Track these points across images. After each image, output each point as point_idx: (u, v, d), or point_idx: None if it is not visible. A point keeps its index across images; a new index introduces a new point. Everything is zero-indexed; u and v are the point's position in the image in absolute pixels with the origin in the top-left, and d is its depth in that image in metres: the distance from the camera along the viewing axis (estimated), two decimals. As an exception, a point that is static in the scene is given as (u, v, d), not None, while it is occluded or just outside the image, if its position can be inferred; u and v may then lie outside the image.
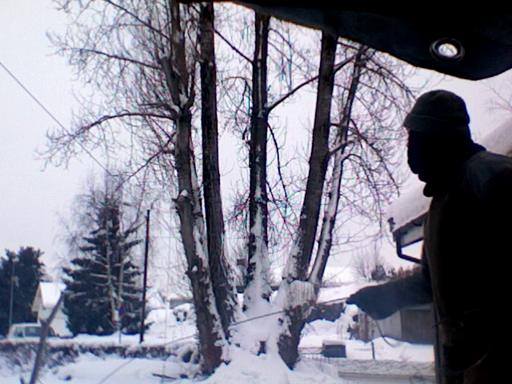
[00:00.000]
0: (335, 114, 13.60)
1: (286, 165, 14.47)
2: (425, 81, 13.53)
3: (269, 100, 14.14)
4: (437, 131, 1.88)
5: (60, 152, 13.14)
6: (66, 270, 36.33)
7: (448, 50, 1.06)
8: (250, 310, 12.47)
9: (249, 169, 13.79)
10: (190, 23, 13.19)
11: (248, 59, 14.22)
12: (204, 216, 12.36)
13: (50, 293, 36.31)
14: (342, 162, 13.55)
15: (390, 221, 5.57)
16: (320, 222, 12.83)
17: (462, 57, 1.06)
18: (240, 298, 12.80)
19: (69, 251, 35.59)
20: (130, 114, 13.58)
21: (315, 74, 13.74)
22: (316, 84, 13.16)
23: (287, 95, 14.41)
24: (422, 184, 2.02)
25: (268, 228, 13.68)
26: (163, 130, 13.85)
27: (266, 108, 13.92)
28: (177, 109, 12.10)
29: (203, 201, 12.49)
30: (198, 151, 13.01)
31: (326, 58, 12.68)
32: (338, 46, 13.06)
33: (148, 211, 24.53)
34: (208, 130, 12.71)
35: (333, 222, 13.05)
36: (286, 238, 14.04)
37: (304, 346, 16.27)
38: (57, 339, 23.88)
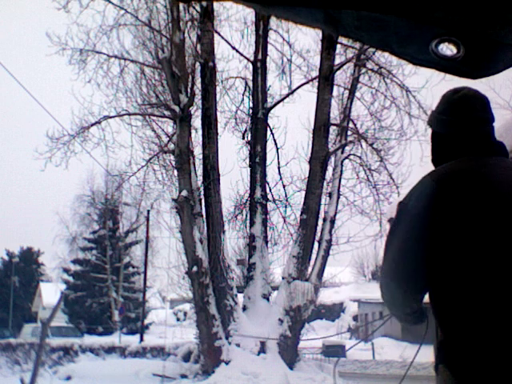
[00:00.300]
0: (335, 114, 13.61)
1: (286, 165, 14.49)
2: (425, 81, 13.48)
3: (269, 100, 14.14)
4: (457, 132, 1.84)
5: (60, 152, 13.15)
6: (65, 270, 36.41)
7: (448, 49, 1.06)
8: (250, 310, 12.48)
9: (249, 169, 13.80)
10: (189, 23, 13.19)
11: (248, 59, 14.22)
12: (204, 216, 12.36)
13: (49, 293, 36.28)
14: (342, 162, 13.55)
15: (390, 221, 5.58)
16: (320, 221, 12.83)
17: (461, 56, 1.06)
18: (240, 297, 12.80)
19: (69, 251, 35.70)
20: (130, 114, 13.58)
21: (315, 74, 13.74)
22: (316, 84, 13.16)
23: (287, 95, 14.41)
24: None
25: (268, 228, 13.69)
26: (163, 130, 13.88)
27: (266, 108, 13.92)
28: (177, 109, 12.10)
29: (203, 201, 12.49)
30: (198, 151, 13.04)
31: (326, 57, 12.67)
32: (338, 45, 13.06)
33: (148, 211, 24.55)
34: (208, 130, 12.71)
35: (333, 221, 13.05)
36: (286, 238, 14.08)
37: (304, 346, 16.26)
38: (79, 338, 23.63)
